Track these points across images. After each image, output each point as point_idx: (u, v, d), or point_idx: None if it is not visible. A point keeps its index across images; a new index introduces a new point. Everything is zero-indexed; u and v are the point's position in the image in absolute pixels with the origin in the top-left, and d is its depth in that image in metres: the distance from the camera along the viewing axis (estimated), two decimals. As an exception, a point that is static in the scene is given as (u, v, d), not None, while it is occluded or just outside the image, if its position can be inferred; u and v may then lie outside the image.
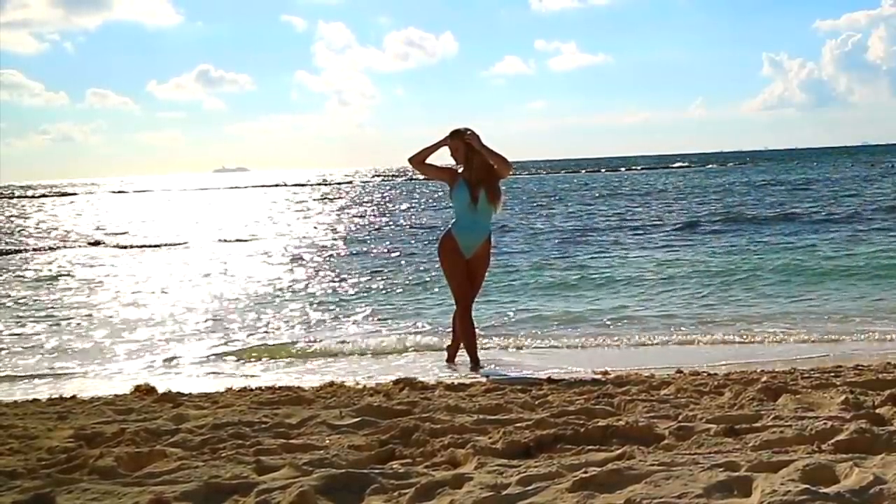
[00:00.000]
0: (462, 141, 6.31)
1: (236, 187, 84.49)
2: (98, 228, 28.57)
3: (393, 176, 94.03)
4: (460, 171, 6.43)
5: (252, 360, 7.39)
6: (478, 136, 6.29)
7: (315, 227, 26.30)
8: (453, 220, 6.48)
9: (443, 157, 6.51)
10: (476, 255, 6.41)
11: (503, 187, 6.49)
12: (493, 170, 6.34)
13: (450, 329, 7.03)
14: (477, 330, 6.70)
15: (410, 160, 6.45)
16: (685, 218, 22.08)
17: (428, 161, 6.48)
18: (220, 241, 22.23)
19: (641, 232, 19.12)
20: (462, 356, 6.68)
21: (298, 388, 5.43)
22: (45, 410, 4.78)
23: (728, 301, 9.62)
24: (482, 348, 6.81)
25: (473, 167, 6.32)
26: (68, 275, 14.90)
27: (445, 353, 6.84)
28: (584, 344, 7.52)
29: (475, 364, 6.45)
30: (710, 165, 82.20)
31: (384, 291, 11.60)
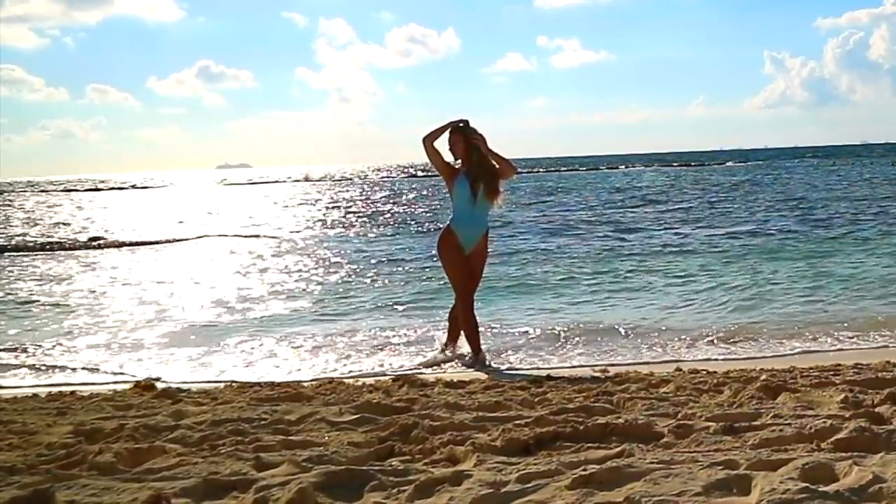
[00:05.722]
0: (462, 137, 6.34)
1: (255, 182, 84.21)
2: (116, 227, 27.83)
3: (397, 171, 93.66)
4: (458, 165, 6.46)
5: None
6: (484, 140, 6.36)
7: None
8: (451, 216, 6.50)
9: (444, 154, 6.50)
10: (475, 251, 6.44)
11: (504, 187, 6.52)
12: (495, 169, 6.41)
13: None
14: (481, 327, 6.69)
15: (424, 139, 6.38)
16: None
17: (437, 147, 6.46)
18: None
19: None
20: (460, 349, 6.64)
21: (298, 384, 5.43)
22: (45, 406, 4.78)
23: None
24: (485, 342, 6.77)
25: (472, 163, 6.36)
26: (80, 273, 14.83)
27: (441, 346, 6.79)
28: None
29: (477, 355, 6.42)
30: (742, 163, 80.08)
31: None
